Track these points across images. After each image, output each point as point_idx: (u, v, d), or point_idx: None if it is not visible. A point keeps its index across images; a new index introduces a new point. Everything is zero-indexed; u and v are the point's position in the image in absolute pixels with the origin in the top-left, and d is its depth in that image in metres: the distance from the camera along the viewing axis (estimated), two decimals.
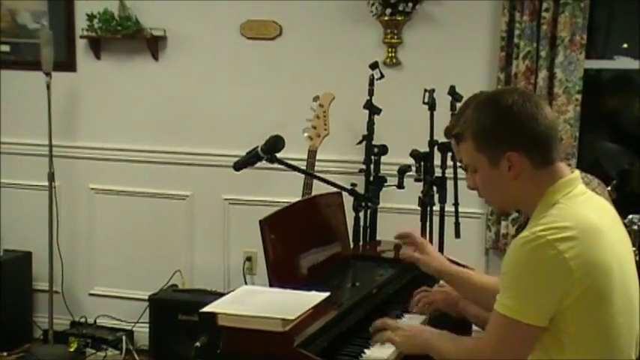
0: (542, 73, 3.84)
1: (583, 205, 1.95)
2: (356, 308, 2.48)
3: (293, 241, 2.61)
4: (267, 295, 2.36)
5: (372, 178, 3.68)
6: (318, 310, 2.27)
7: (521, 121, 1.95)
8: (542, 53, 3.84)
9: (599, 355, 1.89)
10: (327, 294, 2.35)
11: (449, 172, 3.56)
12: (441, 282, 2.81)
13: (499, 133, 1.97)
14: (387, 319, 2.35)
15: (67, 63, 4.52)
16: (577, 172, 2.03)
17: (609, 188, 3.04)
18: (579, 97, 3.85)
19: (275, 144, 2.72)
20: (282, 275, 2.49)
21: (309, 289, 2.39)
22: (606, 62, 4.13)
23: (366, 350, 2.33)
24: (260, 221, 2.49)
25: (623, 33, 4.01)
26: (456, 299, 2.56)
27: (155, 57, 4.44)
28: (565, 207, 1.92)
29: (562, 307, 1.85)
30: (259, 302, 2.26)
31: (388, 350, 2.34)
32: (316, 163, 3.79)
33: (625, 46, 4.06)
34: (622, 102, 4.14)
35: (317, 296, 2.32)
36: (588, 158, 4.04)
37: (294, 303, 2.25)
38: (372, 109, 3.77)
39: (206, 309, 2.21)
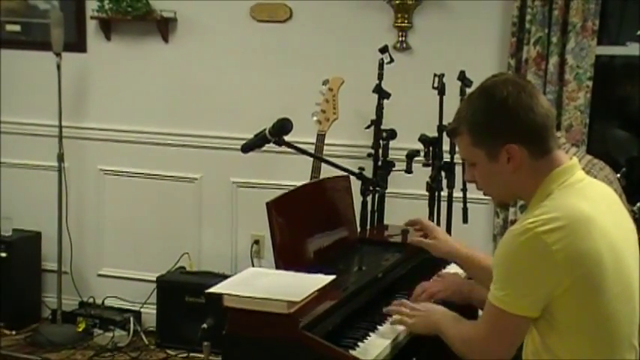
0: (553, 59, 3.81)
1: (577, 194, 1.94)
2: (361, 292, 2.48)
3: (300, 224, 2.61)
4: (273, 277, 2.36)
5: (380, 163, 3.67)
6: (323, 293, 2.27)
7: (517, 114, 1.94)
8: (554, 39, 3.81)
9: (597, 341, 1.89)
10: (332, 277, 2.35)
11: (457, 158, 3.54)
12: (443, 270, 2.80)
13: (496, 127, 1.96)
14: (405, 302, 2.40)
15: (77, 44, 4.52)
16: (575, 160, 2.02)
17: (618, 175, 3.04)
18: (590, 83, 3.82)
19: (283, 126, 2.71)
20: (288, 258, 2.49)
21: (316, 273, 2.40)
22: (617, 48, 4.09)
23: (370, 334, 2.34)
24: (267, 203, 2.49)
25: (638, 20, 3.97)
26: (459, 286, 2.56)
27: (165, 39, 4.43)
28: (557, 197, 1.92)
29: (553, 297, 1.86)
30: (265, 284, 2.26)
31: (391, 335, 2.35)
32: (325, 147, 3.79)
33: (639, 33, 4.03)
34: (633, 89, 4.11)
35: (323, 279, 2.32)
36: (598, 145, 4.02)
37: (299, 285, 2.25)
38: (382, 94, 3.76)
39: (212, 290, 2.22)
